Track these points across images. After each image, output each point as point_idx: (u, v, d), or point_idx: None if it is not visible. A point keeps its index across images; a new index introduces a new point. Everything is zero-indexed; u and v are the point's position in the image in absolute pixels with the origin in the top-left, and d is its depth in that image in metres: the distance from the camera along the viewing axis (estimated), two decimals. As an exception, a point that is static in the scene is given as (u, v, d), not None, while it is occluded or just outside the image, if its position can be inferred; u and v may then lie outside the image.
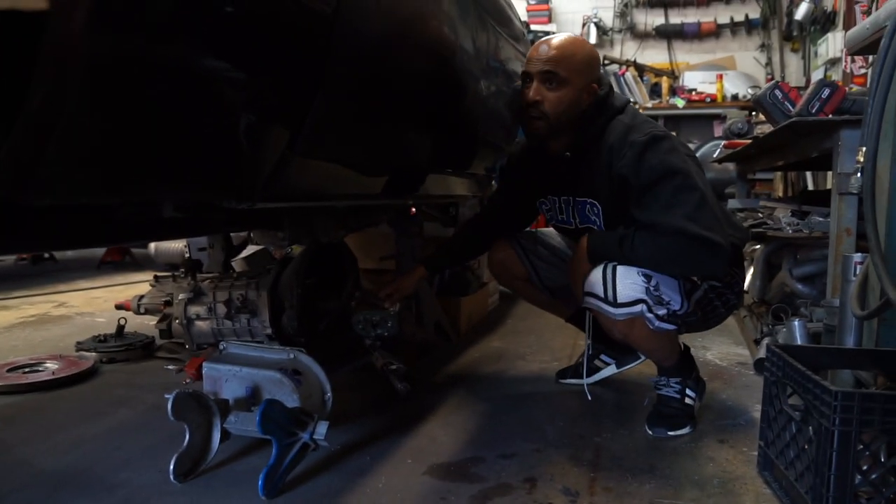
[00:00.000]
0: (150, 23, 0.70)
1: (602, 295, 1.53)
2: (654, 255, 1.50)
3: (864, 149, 1.20)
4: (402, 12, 1.27)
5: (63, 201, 0.68)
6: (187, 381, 1.62)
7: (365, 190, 1.50)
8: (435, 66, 1.51)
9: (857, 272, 1.52)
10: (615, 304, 1.52)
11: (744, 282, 1.80)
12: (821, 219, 2.13)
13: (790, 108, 1.92)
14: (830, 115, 1.81)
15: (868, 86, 1.28)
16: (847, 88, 1.82)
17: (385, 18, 1.21)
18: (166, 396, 1.36)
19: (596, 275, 1.55)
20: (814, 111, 1.78)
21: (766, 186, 4.85)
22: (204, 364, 1.55)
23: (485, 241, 2.01)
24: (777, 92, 1.97)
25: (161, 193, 0.83)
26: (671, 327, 1.59)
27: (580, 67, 1.59)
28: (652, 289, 1.52)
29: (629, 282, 1.51)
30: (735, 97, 5.62)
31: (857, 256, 1.53)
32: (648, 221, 1.49)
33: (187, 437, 1.38)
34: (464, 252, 2.10)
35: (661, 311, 1.54)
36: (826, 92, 1.78)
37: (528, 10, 6.20)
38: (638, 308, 1.52)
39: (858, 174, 1.18)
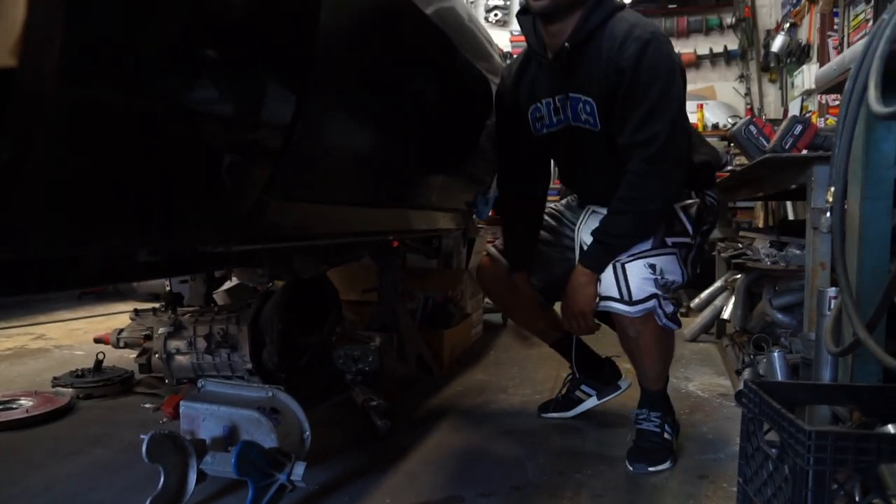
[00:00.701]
0: (121, 74, 0.71)
1: (618, 296, 1.59)
2: (633, 220, 1.59)
3: (833, 188, 1.23)
4: (379, 53, 1.28)
5: (27, 256, 0.67)
6: (164, 419, 1.60)
7: (345, 229, 1.50)
8: (414, 105, 1.53)
9: (832, 306, 1.54)
10: (631, 303, 1.58)
11: (718, 204, 1.84)
12: (797, 251, 2.16)
13: (765, 143, 1.96)
14: (804, 151, 1.85)
15: (836, 125, 1.31)
16: (823, 121, 1.86)
17: (362, 58, 1.22)
18: (142, 437, 1.34)
19: (608, 278, 1.61)
20: (787, 147, 1.82)
21: (747, 214, 4.91)
22: (181, 403, 1.54)
23: (528, 192, 1.90)
24: (752, 127, 2.01)
25: (133, 243, 0.83)
26: (674, 326, 1.65)
27: None
28: (660, 278, 1.60)
29: (641, 277, 1.58)
30: (715, 126, 5.71)
31: (832, 291, 1.54)
32: (631, 132, 1.56)
33: (162, 478, 1.35)
34: (526, 223, 1.91)
35: (669, 309, 1.62)
36: (798, 128, 1.82)
37: (511, 41, 6.31)
38: (652, 303, 1.59)
39: (828, 213, 1.20)
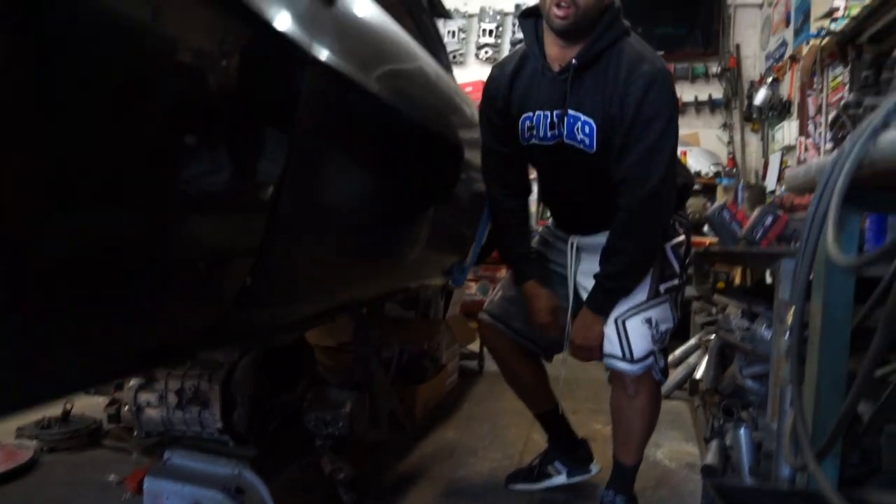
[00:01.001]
0: (84, 220, 0.72)
1: (620, 354, 1.67)
2: (628, 259, 1.64)
3: (793, 307, 1.26)
4: (350, 158, 1.30)
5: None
6: (127, 494, 1.59)
7: (322, 309, 1.51)
8: (390, 193, 1.55)
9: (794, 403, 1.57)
10: (633, 361, 1.66)
11: (689, 221, 1.88)
12: (765, 334, 2.20)
13: (737, 230, 2.01)
14: (774, 241, 1.90)
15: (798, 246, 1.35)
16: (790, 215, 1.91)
17: (334, 166, 1.24)
18: (102, 518, 1.34)
19: (611, 334, 1.68)
20: (757, 238, 1.87)
21: (725, 265, 4.97)
22: (146, 478, 1.53)
23: (519, 197, 1.87)
24: (725, 213, 2.06)
25: (97, 365, 0.84)
26: (665, 379, 1.77)
27: None
28: (656, 333, 1.68)
29: (640, 334, 1.66)
30: (698, 174, 5.80)
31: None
32: (629, 166, 1.58)
33: (121, 563, 1.35)
34: (525, 225, 1.89)
35: (662, 364, 1.73)
36: (769, 220, 1.87)
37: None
38: (650, 360, 1.69)
39: (786, 335, 1.23)
